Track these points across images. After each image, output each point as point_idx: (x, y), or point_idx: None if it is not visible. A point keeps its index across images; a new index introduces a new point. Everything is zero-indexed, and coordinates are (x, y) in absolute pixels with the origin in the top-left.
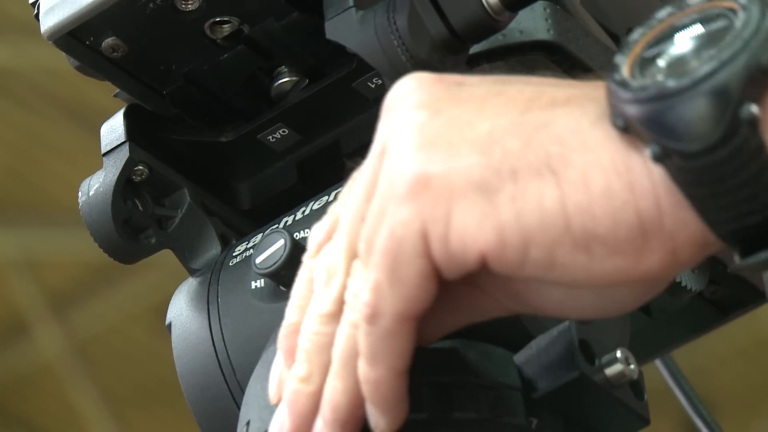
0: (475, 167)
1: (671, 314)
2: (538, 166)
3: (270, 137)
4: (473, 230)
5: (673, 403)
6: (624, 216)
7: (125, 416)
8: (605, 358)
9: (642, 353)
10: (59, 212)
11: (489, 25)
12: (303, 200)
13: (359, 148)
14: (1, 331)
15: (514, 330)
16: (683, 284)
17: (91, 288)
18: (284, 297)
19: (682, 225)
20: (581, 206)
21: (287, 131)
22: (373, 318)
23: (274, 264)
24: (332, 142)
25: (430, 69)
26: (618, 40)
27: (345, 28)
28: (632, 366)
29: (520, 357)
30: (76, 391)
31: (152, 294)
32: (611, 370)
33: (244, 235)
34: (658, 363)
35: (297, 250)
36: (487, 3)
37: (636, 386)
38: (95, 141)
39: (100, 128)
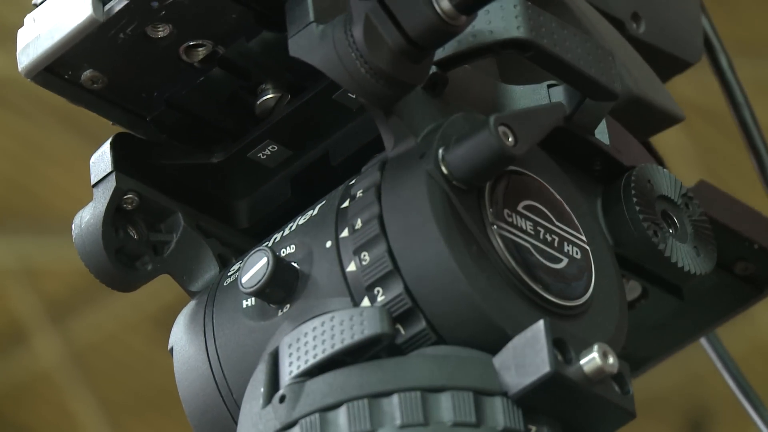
0: None
1: (704, 295)
2: None
3: (260, 154)
4: None
5: (673, 410)
6: None
7: (123, 424)
8: (582, 355)
9: (678, 337)
10: (57, 220)
11: (445, 30)
12: (298, 214)
13: (347, 159)
14: None
15: (491, 331)
16: (686, 269)
17: (89, 296)
18: (273, 314)
19: None
20: None
21: (276, 147)
22: None
23: (258, 282)
24: (322, 154)
25: (390, 80)
26: (622, 25)
27: (307, 45)
28: (611, 361)
29: (497, 360)
30: (74, 399)
31: (151, 303)
32: (589, 367)
33: (244, 254)
34: (705, 344)
35: (279, 267)
36: (441, 9)
37: (620, 379)
38: (93, 149)
39: (98, 136)
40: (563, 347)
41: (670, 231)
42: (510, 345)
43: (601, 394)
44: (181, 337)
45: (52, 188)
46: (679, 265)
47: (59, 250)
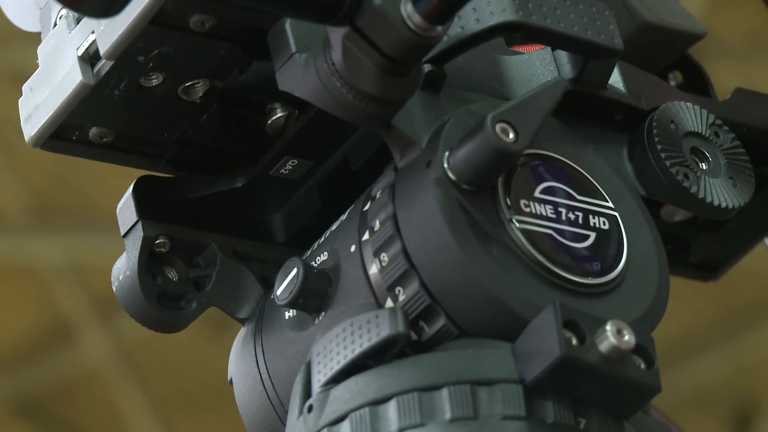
0: None
1: (764, 196)
2: None
3: (282, 170)
4: None
5: (721, 404)
6: None
7: (171, 421)
8: (596, 335)
9: (747, 238)
10: (104, 217)
11: (422, 44)
12: (332, 221)
13: (367, 162)
14: (48, 336)
15: (518, 324)
16: (723, 205)
17: None
18: (310, 323)
19: None
20: None
21: (296, 161)
22: None
23: (291, 293)
24: (342, 160)
25: (379, 100)
26: None
27: (292, 78)
28: (626, 337)
29: (516, 347)
30: (122, 396)
31: None
32: (604, 346)
33: None
34: None
35: (310, 276)
36: (414, 24)
37: (644, 353)
38: None
39: None
40: (576, 329)
41: (702, 167)
42: (524, 333)
43: (621, 373)
44: (237, 369)
45: (100, 185)
46: (716, 203)
47: (107, 247)
